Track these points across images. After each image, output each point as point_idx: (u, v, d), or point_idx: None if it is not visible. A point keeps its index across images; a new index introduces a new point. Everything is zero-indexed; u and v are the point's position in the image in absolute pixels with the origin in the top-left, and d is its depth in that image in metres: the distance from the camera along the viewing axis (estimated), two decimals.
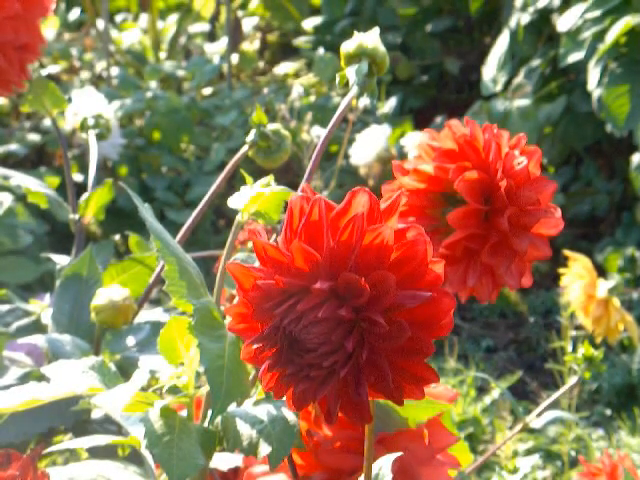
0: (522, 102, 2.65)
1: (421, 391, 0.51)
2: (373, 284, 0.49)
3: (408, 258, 0.50)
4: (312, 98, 2.80)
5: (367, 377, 0.50)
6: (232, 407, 0.68)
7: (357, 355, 0.50)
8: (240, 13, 3.67)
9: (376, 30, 0.73)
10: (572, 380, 1.03)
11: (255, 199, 0.70)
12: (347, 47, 0.73)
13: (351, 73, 0.72)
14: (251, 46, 3.55)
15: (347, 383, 0.50)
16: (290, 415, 0.68)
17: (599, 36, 2.42)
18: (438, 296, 0.50)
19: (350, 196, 0.51)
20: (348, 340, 0.49)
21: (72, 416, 0.91)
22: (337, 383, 0.50)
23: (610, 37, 2.35)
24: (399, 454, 0.61)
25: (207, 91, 3.11)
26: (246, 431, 0.68)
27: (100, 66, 3.11)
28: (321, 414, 0.52)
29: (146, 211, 0.71)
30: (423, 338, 0.50)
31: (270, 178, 0.72)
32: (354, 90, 0.72)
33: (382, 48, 0.73)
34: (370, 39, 0.73)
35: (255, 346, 0.51)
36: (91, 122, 1.13)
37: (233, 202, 0.71)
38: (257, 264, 0.52)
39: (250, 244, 0.99)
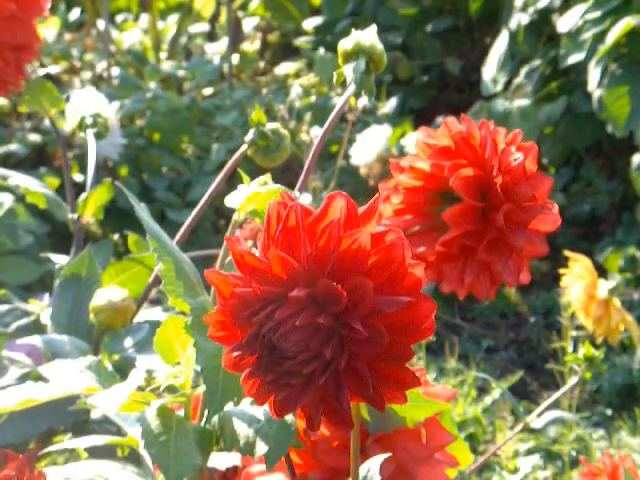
0: (522, 102, 2.65)
1: (403, 395, 0.51)
2: (351, 290, 0.49)
3: (386, 262, 0.49)
4: (313, 98, 2.79)
5: (347, 383, 0.50)
6: (229, 406, 0.68)
7: (336, 362, 0.49)
8: (240, 13, 3.67)
9: (373, 28, 0.73)
10: (573, 380, 1.03)
11: (252, 198, 0.70)
12: (344, 45, 0.73)
13: (348, 71, 0.72)
14: (251, 46, 3.55)
15: (327, 390, 0.50)
16: None
17: (599, 37, 2.42)
18: (417, 300, 0.49)
19: (327, 201, 0.50)
20: (327, 347, 0.49)
21: (71, 416, 0.90)
22: (317, 390, 0.50)
23: (610, 38, 2.34)
24: (388, 455, 0.60)
25: (208, 91, 3.11)
26: (243, 430, 0.68)
27: (101, 66, 3.11)
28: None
29: (142, 210, 0.71)
30: (403, 343, 0.49)
31: (267, 177, 0.71)
32: (352, 88, 0.72)
33: (379, 46, 0.73)
34: (367, 37, 0.72)
35: (235, 354, 0.51)
36: (89, 121, 1.13)
37: (230, 201, 0.71)
38: None
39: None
